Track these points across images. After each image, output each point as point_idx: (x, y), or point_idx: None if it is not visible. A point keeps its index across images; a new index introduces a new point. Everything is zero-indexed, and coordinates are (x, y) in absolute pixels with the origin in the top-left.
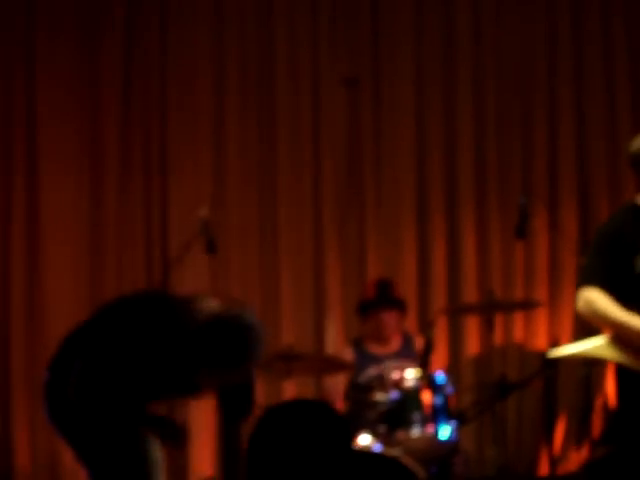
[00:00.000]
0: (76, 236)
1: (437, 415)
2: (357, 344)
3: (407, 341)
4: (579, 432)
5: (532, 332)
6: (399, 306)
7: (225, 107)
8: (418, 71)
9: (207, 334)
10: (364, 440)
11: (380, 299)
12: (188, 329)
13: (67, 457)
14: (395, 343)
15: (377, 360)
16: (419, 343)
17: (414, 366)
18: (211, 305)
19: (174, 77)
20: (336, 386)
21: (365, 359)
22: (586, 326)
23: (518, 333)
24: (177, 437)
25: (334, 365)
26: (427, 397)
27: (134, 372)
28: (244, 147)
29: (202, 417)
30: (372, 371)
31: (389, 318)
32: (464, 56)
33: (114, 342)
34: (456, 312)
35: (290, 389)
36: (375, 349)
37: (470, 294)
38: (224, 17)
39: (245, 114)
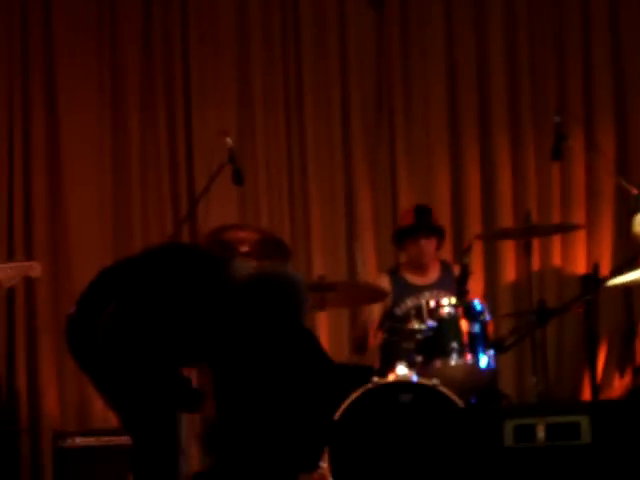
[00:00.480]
0: (100, 170)
1: (475, 343)
2: (394, 273)
3: (446, 270)
4: (622, 358)
5: (571, 256)
6: (438, 233)
7: (249, 35)
8: None
9: (250, 292)
10: (401, 370)
11: (419, 225)
12: (228, 288)
13: (97, 402)
14: (433, 272)
15: (415, 290)
16: (458, 272)
17: (453, 296)
18: (247, 266)
19: (196, 4)
20: (371, 315)
21: (403, 289)
22: (629, 246)
23: (556, 257)
24: (194, 402)
25: (367, 295)
26: (464, 325)
27: (170, 327)
28: (269, 76)
29: None
30: (409, 302)
31: (428, 245)
32: None
33: (154, 292)
34: (492, 237)
35: (323, 320)
36: (413, 279)
37: (506, 219)
38: None
39: (269, 43)
